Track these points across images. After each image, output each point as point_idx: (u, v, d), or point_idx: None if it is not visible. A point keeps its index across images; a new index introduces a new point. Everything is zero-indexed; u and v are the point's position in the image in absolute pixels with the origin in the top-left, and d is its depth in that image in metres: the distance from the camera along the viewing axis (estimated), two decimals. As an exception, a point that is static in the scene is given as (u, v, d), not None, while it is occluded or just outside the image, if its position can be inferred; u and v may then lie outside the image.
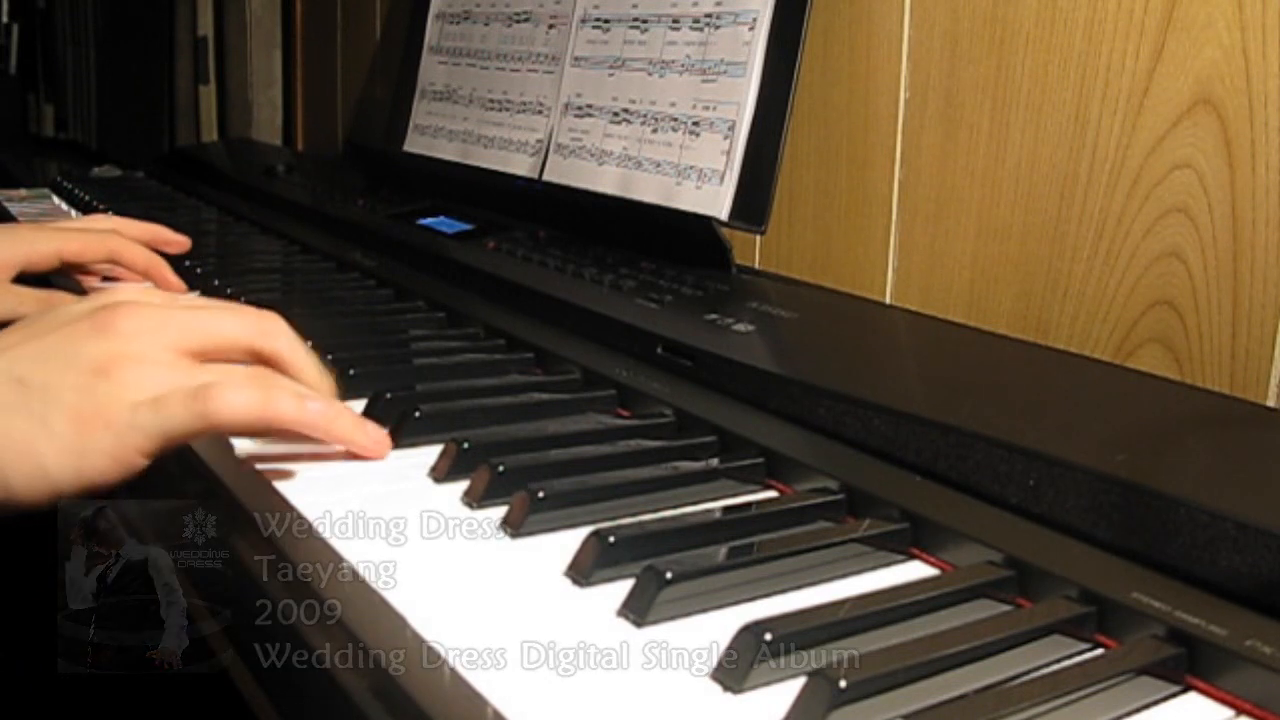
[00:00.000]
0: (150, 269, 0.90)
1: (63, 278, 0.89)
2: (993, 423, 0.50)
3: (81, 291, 0.88)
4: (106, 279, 0.93)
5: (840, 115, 0.88)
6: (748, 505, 0.52)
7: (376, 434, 0.56)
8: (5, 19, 3.00)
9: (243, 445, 0.58)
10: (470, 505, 0.51)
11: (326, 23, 1.76)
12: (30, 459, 0.50)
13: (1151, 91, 0.68)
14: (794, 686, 0.35)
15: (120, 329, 0.53)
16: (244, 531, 0.53)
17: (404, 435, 0.58)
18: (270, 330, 0.57)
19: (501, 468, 0.51)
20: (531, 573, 0.45)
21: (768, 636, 0.37)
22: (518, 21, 1.11)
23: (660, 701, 0.37)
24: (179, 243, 0.97)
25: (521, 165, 1.05)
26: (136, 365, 0.52)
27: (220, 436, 0.55)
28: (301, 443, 0.59)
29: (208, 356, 0.55)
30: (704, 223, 0.83)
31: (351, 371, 0.65)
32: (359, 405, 0.62)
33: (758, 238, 0.94)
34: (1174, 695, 0.38)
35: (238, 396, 0.51)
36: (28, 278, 0.84)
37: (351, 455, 0.57)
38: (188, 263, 0.96)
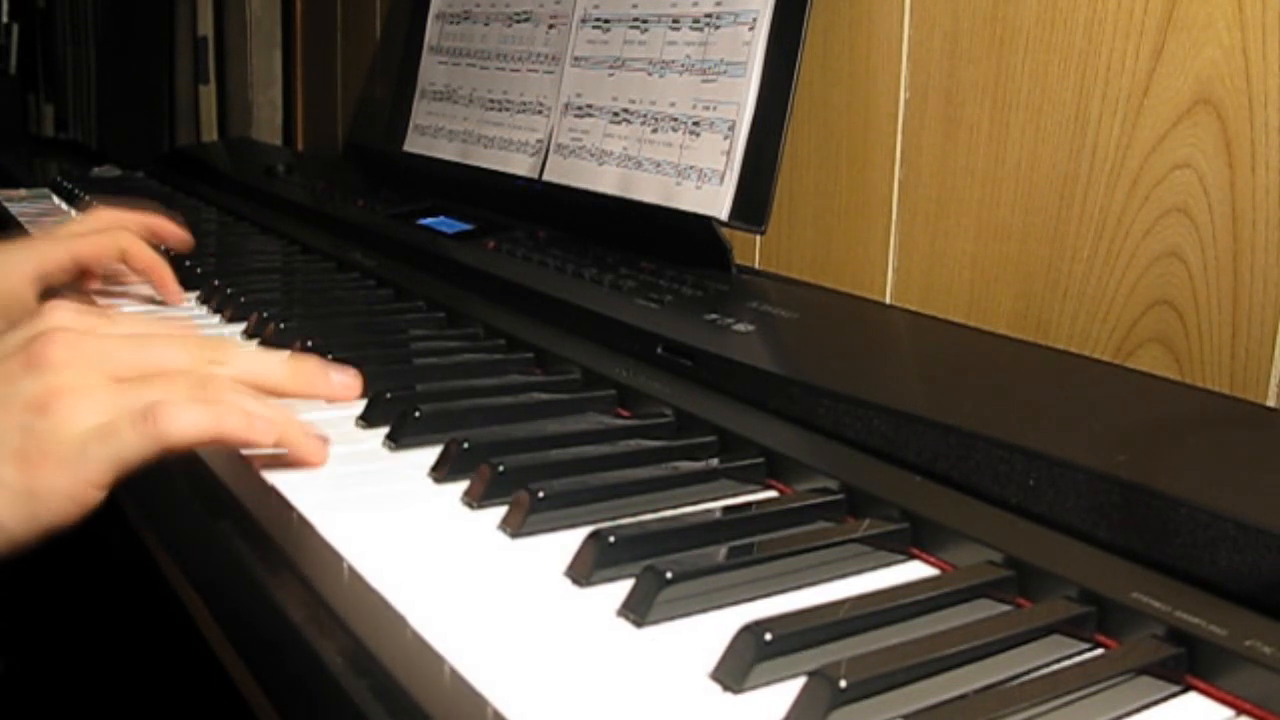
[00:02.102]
0: (153, 270, 0.89)
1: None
2: (993, 423, 0.50)
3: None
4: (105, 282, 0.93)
5: (840, 115, 0.88)
6: (748, 505, 0.52)
7: (317, 446, 0.55)
8: (5, 19, 3.00)
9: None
10: (470, 505, 0.51)
11: (326, 23, 1.76)
12: None
13: (1151, 91, 0.68)
14: (794, 686, 0.35)
15: (53, 361, 0.51)
16: (243, 532, 0.53)
17: (404, 435, 0.58)
18: (212, 360, 0.54)
19: (501, 468, 0.51)
20: (531, 573, 0.45)
21: (768, 636, 0.37)
22: (518, 21, 1.11)
23: (660, 701, 0.37)
24: (179, 237, 0.95)
25: (521, 165, 1.05)
26: (75, 397, 0.50)
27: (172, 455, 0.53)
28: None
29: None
30: (704, 223, 0.83)
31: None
32: (359, 405, 0.62)
33: (758, 238, 0.94)
34: (1174, 695, 0.38)
35: (187, 415, 0.49)
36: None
37: (351, 450, 0.57)
38: (188, 263, 0.96)
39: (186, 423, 0.49)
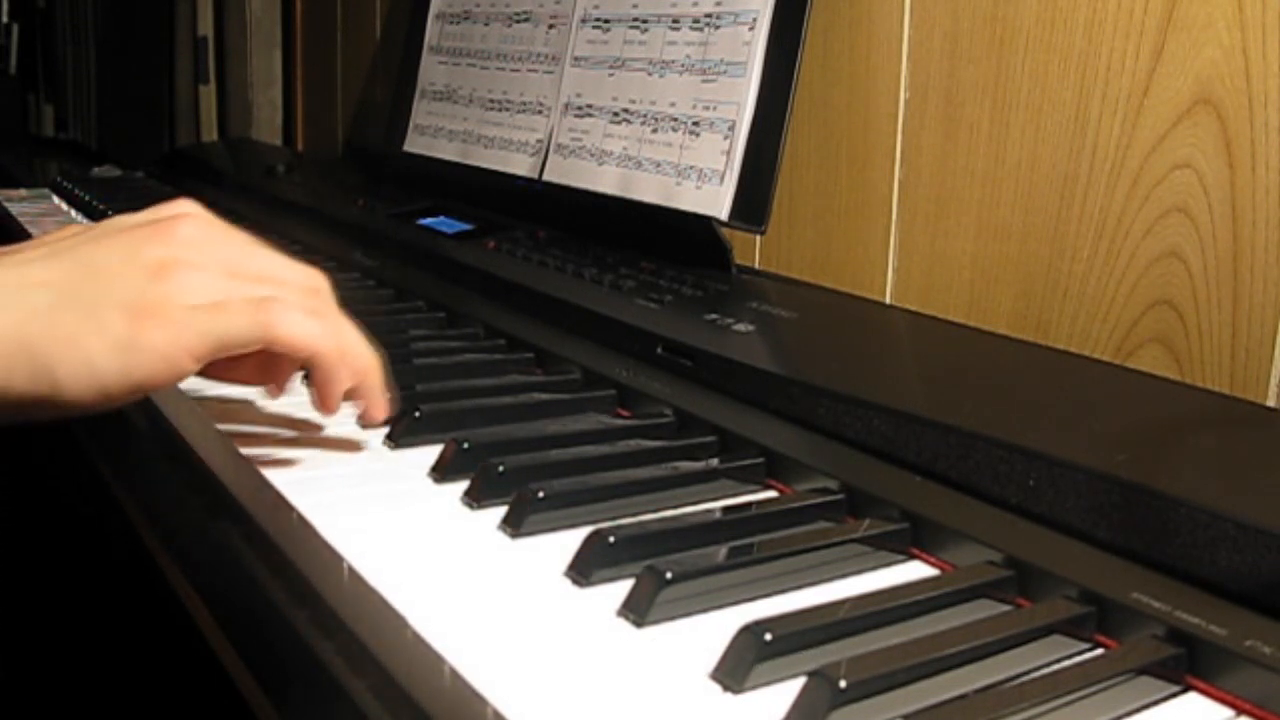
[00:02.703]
0: None
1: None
2: (993, 423, 0.50)
3: None
4: None
5: (840, 115, 0.88)
6: (748, 505, 0.52)
7: (384, 405, 0.57)
8: (5, 19, 3.00)
9: (227, 428, 0.58)
10: (470, 505, 0.51)
11: (326, 23, 1.76)
12: (78, 352, 0.49)
13: (1151, 91, 0.68)
14: (794, 686, 0.35)
15: (180, 236, 0.53)
16: (244, 531, 0.53)
17: (404, 435, 0.58)
18: (320, 289, 0.56)
19: (501, 468, 0.51)
20: (531, 573, 0.45)
21: (768, 636, 0.37)
22: (518, 21, 1.11)
23: (660, 701, 0.37)
24: None
25: (521, 165, 1.05)
26: (192, 271, 0.52)
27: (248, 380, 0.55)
28: (302, 443, 0.59)
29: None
30: (704, 223, 0.83)
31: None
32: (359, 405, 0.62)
33: (758, 238, 0.94)
34: (1174, 695, 0.38)
35: (300, 319, 0.51)
36: None
37: (351, 449, 0.57)
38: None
39: (294, 324, 0.51)
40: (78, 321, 0.49)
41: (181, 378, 0.51)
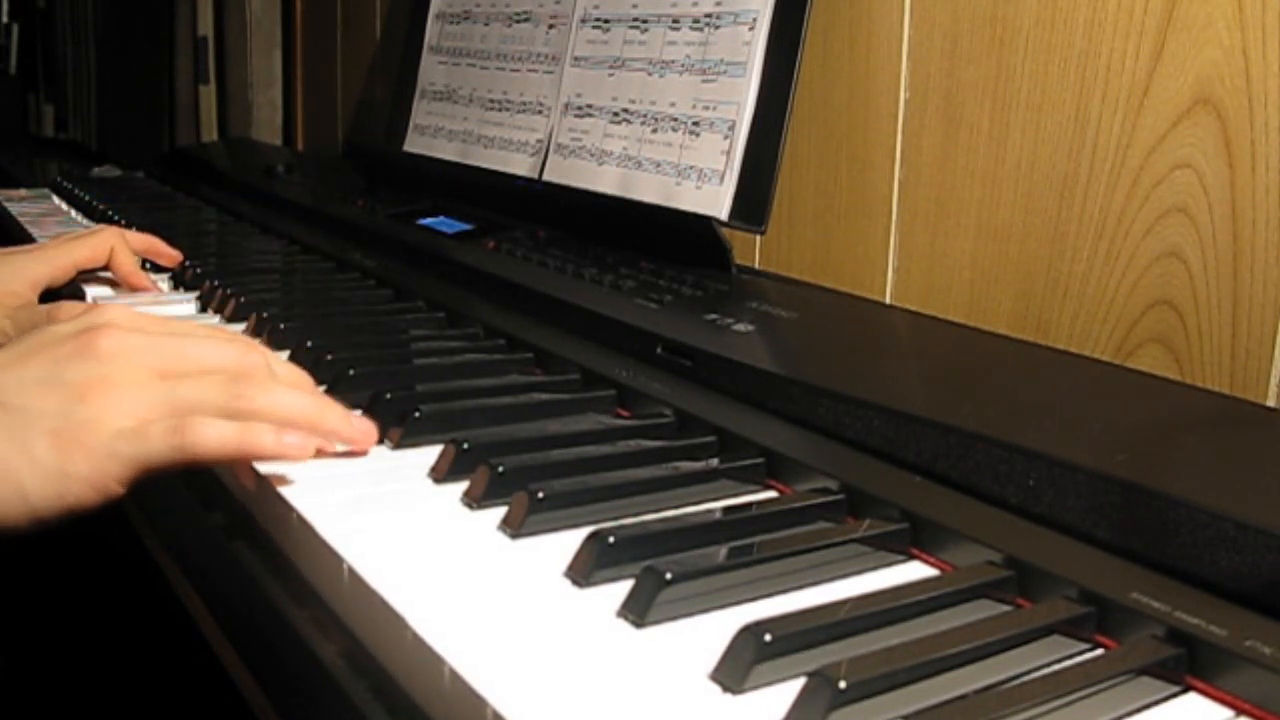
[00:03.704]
0: (149, 248, 0.97)
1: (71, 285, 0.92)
2: (993, 423, 0.50)
3: (82, 297, 0.90)
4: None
5: (840, 115, 0.88)
6: (748, 505, 0.52)
7: (363, 433, 0.56)
8: (5, 19, 3.00)
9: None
10: (470, 505, 0.51)
11: (326, 23, 1.76)
12: (10, 483, 0.49)
13: (1151, 91, 0.68)
14: (794, 686, 0.35)
15: (101, 351, 0.53)
16: (244, 532, 0.53)
17: (404, 435, 0.58)
18: (254, 364, 0.56)
19: (501, 468, 0.51)
20: (531, 573, 0.45)
21: (768, 637, 0.37)
22: (518, 21, 1.11)
23: (660, 701, 0.37)
24: (171, 256, 1.00)
25: (521, 165, 1.05)
26: (115, 389, 0.52)
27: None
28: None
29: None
30: (704, 223, 0.83)
31: (351, 371, 0.65)
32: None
33: (758, 238, 0.94)
34: (1174, 695, 0.38)
35: (216, 430, 0.51)
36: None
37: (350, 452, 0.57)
38: (188, 263, 0.96)
39: (214, 437, 0.51)
40: (8, 453, 0.50)
41: (112, 500, 0.52)
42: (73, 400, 0.51)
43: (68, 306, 0.83)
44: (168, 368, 0.54)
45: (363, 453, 0.57)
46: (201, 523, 0.56)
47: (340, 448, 0.56)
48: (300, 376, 0.58)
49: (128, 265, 0.93)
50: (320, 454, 0.54)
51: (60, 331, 0.55)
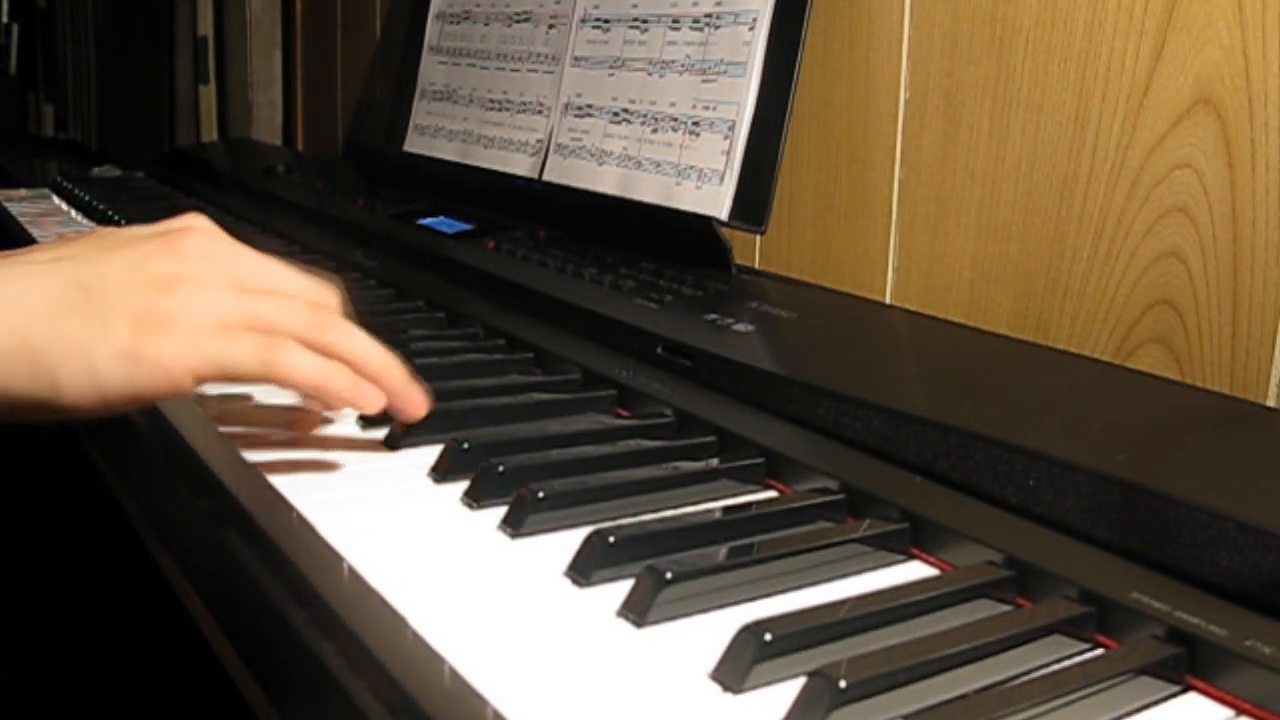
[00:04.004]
0: None
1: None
2: (993, 423, 0.50)
3: None
4: None
5: (840, 115, 0.88)
6: (748, 505, 0.52)
7: (420, 400, 0.56)
8: (5, 19, 3.00)
9: (227, 429, 0.58)
10: (470, 505, 0.51)
11: (326, 23, 1.76)
12: (82, 357, 0.49)
13: (1151, 91, 0.68)
14: (794, 686, 0.35)
15: (187, 250, 0.53)
16: (243, 531, 0.53)
17: (404, 435, 0.58)
18: (327, 299, 0.57)
19: (501, 468, 0.51)
20: (531, 573, 0.45)
21: (768, 636, 0.37)
22: (518, 21, 1.11)
23: (660, 701, 0.37)
24: None
25: (521, 165, 1.05)
26: (198, 288, 0.52)
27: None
28: (302, 443, 0.59)
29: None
30: (704, 223, 0.83)
31: (351, 371, 0.65)
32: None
33: (758, 238, 0.94)
34: (1174, 695, 0.38)
35: (304, 359, 0.51)
36: None
37: (351, 449, 0.57)
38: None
39: (301, 365, 0.51)
40: (83, 327, 0.49)
41: (181, 394, 0.51)
42: (155, 291, 0.51)
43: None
44: (248, 281, 0.54)
45: (415, 417, 0.57)
46: (201, 522, 0.56)
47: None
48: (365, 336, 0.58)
49: None
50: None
51: (146, 228, 0.55)
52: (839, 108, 0.88)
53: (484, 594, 0.44)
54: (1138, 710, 0.38)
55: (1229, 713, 0.38)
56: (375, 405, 0.54)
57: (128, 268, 0.52)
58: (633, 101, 0.94)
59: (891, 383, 0.60)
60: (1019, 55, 0.75)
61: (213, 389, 0.63)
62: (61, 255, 0.53)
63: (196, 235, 0.54)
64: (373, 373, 0.54)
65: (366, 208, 1.12)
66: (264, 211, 1.25)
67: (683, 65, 0.90)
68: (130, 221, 1.13)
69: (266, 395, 0.63)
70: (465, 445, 0.54)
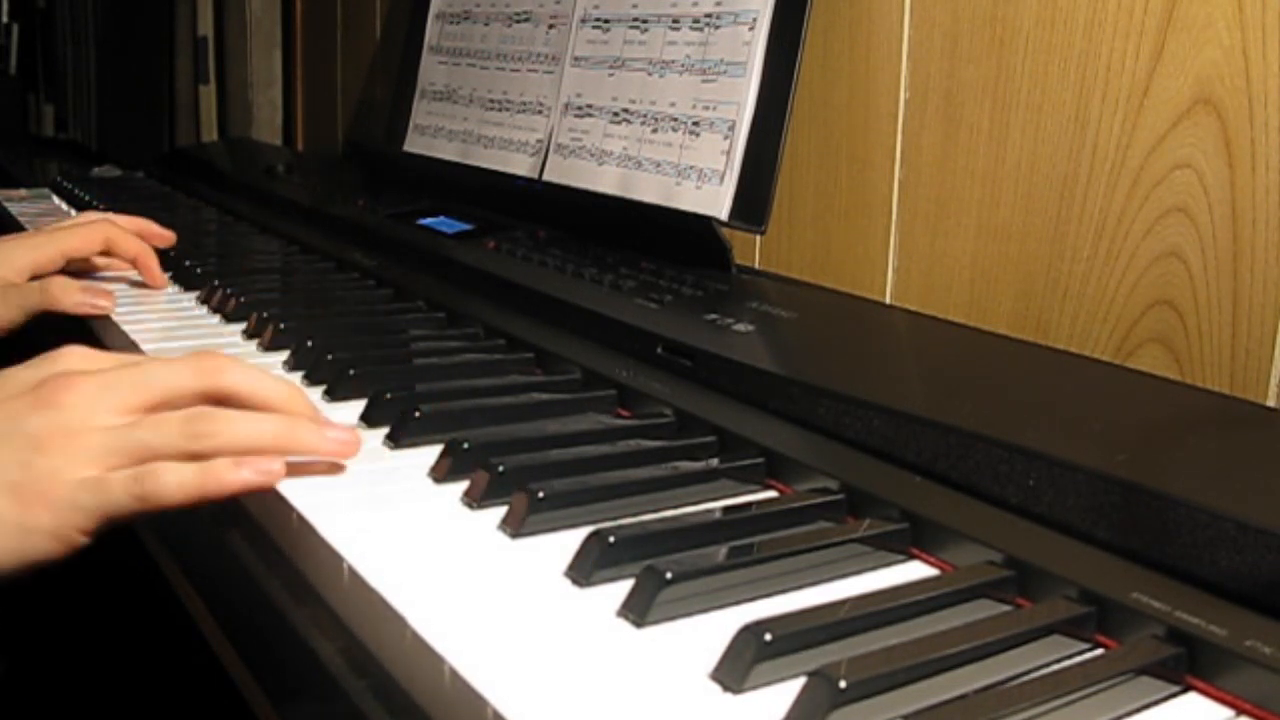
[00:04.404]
0: (139, 257, 0.94)
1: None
2: (993, 423, 0.50)
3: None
4: (95, 275, 0.95)
5: (840, 115, 0.88)
6: (748, 505, 0.52)
7: (342, 444, 0.54)
8: (5, 19, 3.00)
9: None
10: (470, 505, 0.51)
11: (326, 23, 1.76)
12: None
13: (1151, 91, 0.68)
14: (794, 686, 0.35)
15: (62, 402, 0.52)
16: (244, 531, 0.53)
17: (404, 435, 0.58)
18: (211, 369, 0.55)
19: (501, 468, 0.51)
20: (531, 573, 0.45)
21: (768, 636, 0.37)
22: (518, 21, 1.11)
23: (660, 701, 0.37)
24: (164, 236, 1.00)
25: (521, 165, 1.05)
26: (75, 438, 0.51)
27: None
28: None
29: (156, 409, 0.54)
30: (704, 223, 0.83)
31: (351, 372, 0.65)
32: (359, 405, 0.62)
33: (758, 238, 0.94)
34: (1174, 695, 0.38)
35: (176, 476, 0.50)
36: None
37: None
38: (188, 263, 0.96)
39: (174, 484, 0.50)
40: None
41: (76, 551, 0.51)
42: (31, 452, 0.51)
43: (60, 280, 0.84)
44: (133, 403, 0.53)
45: (347, 458, 0.55)
46: (201, 522, 0.56)
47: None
48: (274, 384, 0.56)
49: (134, 248, 0.93)
50: (301, 472, 0.53)
51: (20, 381, 0.54)
52: (839, 108, 0.88)
53: (484, 594, 0.44)
54: (1138, 710, 0.38)
55: (1229, 713, 0.38)
56: (269, 481, 0.51)
57: (3, 432, 0.51)
58: (633, 101, 0.94)
59: (891, 383, 0.60)
60: (1019, 55, 0.75)
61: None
62: None
63: (67, 383, 0.53)
64: (275, 448, 0.52)
65: (366, 208, 1.12)
66: (264, 211, 1.25)
67: (683, 65, 0.90)
68: (124, 213, 1.12)
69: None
70: (465, 445, 0.54)
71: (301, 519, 0.49)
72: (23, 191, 1.55)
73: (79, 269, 0.94)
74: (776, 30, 0.83)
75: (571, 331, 0.73)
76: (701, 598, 0.42)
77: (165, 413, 0.53)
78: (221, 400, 0.55)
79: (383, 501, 0.52)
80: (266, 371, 0.57)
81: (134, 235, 0.95)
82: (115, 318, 0.83)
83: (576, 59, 1.02)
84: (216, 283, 0.88)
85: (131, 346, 0.77)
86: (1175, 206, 0.67)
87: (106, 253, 0.94)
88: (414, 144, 1.24)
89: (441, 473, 0.54)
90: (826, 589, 0.45)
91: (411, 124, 1.26)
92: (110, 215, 0.97)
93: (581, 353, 0.69)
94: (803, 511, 0.50)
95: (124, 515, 0.51)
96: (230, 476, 0.51)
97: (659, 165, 0.89)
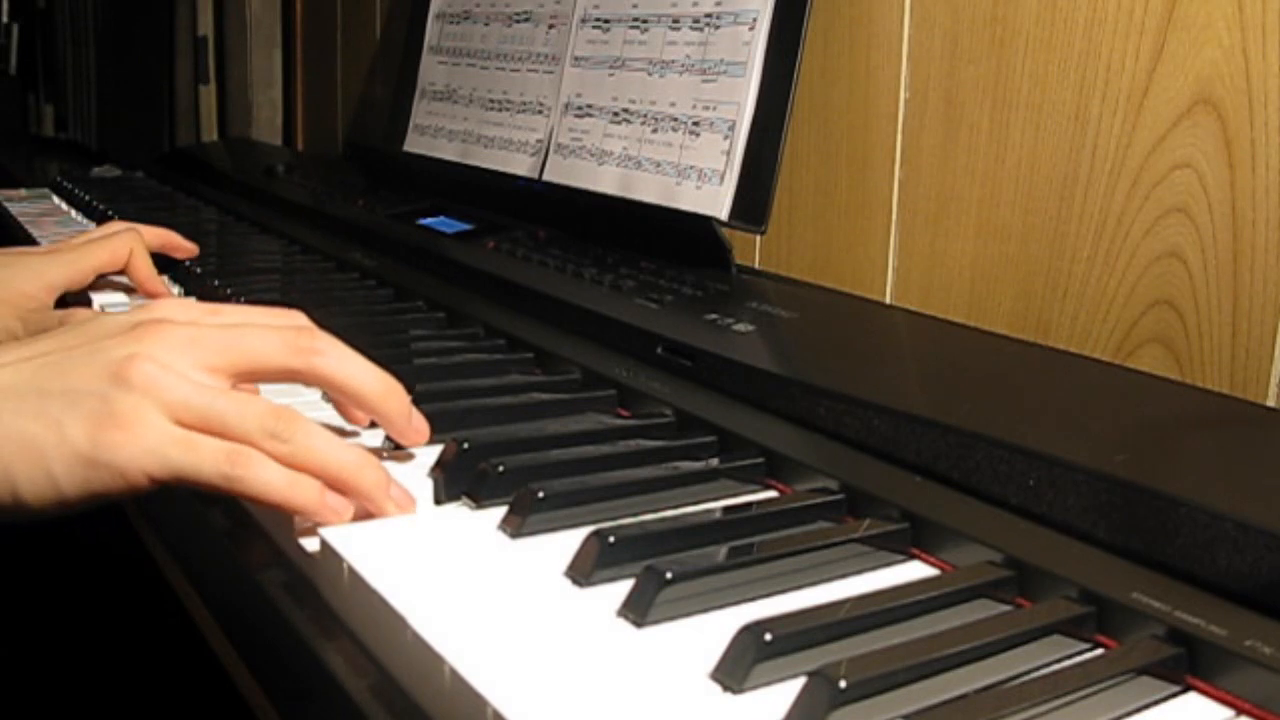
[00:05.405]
0: (164, 244, 0.96)
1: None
2: (993, 423, 0.50)
3: (89, 304, 0.89)
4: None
5: (840, 115, 0.88)
6: (748, 505, 0.52)
7: (400, 496, 0.52)
8: (5, 19, 3.00)
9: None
10: (470, 505, 0.51)
11: (326, 23, 1.76)
12: (39, 465, 0.48)
13: (1151, 91, 0.68)
14: (794, 686, 0.35)
15: (149, 342, 0.51)
16: (244, 531, 0.53)
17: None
18: (306, 349, 0.54)
19: (501, 468, 0.51)
20: (531, 573, 0.45)
21: (768, 636, 0.37)
22: (518, 21, 1.11)
23: (660, 701, 0.37)
24: (188, 249, 0.99)
25: (521, 165, 1.05)
26: (156, 380, 0.50)
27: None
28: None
29: (241, 376, 0.53)
30: (704, 223, 0.83)
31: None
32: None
33: (758, 238, 0.94)
34: (1174, 695, 0.38)
35: (267, 474, 0.49)
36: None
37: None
38: (188, 263, 0.96)
39: (263, 481, 0.49)
40: (42, 434, 0.48)
41: (139, 493, 0.50)
42: (116, 385, 0.49)
43: (80, 313, 0.83)
44: (219, 363, 0.52)
45: (418, 444, 0.56)
46: (202, 522, 0.56)
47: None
48: (370, 377, 0.55)
49: (144, 270, 0.91)
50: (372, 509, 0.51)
51: (112, 323, 0.54)
52: (839, 108, 0.88)
53: (484, 594, 0.44)
54: (1138, 710, 0.38)
55: (1229, 713, 0.38)
56: (341, 519, 0.50)
57: (88, 364, 0.51)
58: (633, 101, 0.94)
59: (891, 383, 0.60)
60: (1019, 55, 0.75)
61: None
62: (24, 353, 0.52)
63: (159, 327, 0.52)
64: (342, 479, 0.50)
65: (366, 208, 1.12)
66: (264, 211, 1.25)
67: (683, 65, 0.90)
68: (125, 217, 1.12)
69: (273, 398, 0.63)
70: (465, 445, 0.54)
71: (301, 519, 0.49)
72: (23, 191, 1.55)
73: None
74: (776, 30, 0.83)
75: (571, 331, 0.73)
76: (702, 598, 0.42)
77: (253, 396, 0.52)
78: (308, 383, 0.54)
79: (383, 501, 0.52)
80: (363, 359, 0.55)
81: (156, 249, 0.94)
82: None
83: (576, 59, 1.02)
84: (217, 283, 0.88)
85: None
86: (1175, 206, 0.67)
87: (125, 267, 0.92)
88: (414, 144, 1.24)
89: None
90: (826, 589, 0.45)
91: (411, 124, 1.26)
92: (136, 226, 0.95)
93: (581, 353, 0.69)
94: (803, 511, 0.50)
95: (197, 482, 0.49)
96: (314, 499, 0.49)
97: (659, 165, 0.89)
